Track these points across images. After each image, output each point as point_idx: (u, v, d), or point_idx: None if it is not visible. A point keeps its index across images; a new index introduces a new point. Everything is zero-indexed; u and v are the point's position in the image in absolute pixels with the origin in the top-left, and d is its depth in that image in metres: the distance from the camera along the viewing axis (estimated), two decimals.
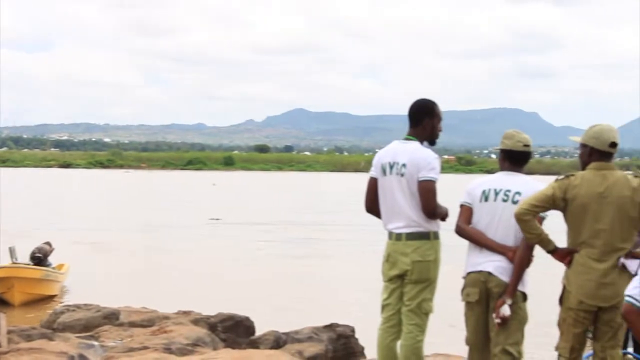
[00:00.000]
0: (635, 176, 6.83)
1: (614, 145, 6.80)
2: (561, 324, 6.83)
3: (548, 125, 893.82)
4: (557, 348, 6.87)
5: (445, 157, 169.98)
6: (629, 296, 4.92)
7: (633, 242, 6.79)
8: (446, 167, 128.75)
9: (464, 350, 7.57)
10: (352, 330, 11.50)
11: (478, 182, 7.42)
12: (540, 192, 6.73)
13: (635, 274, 11.65)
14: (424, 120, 7.58)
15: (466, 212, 7.35)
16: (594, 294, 6.68)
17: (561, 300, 6.85)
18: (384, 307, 7.67)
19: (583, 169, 6.85)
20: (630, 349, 10.21)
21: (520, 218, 6.63)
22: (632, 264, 9.90)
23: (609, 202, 6.65)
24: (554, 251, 6.79)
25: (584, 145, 6.88)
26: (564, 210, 6.75)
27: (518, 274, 7.06)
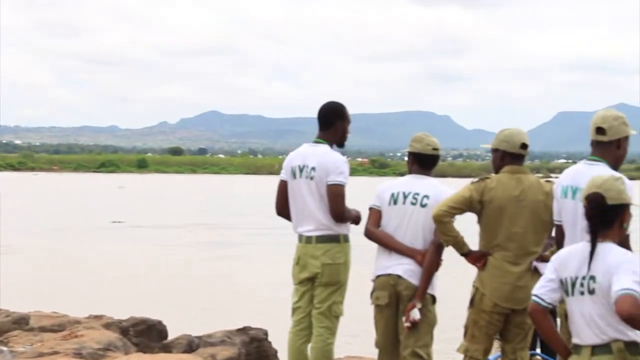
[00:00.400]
0: (547, 181, 6.95)
1: (524, 146, 6.91)
2: (472, 326, 6.88)
3: (460, 129, 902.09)
4: (465, 350, 6.91)
5: (359, 159, 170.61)
6: (536, 295, 5.00)
7: (543, 245, 6.92)
8: (360, 170, 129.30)
9: (374, 352, 7.63)
10: (265, 333, 11.49)
11: (387, 185, 7.47)
12: (458, 194, 6.77)
13: None
14: (335, 123, 7.62)
15: (375, 215, 7.39)
16: (509, 297, 6.77)
17: (472, 303, 6.92)
18: (294, 310, 7.69)
19: (496, 173, 6.95)
20: (538, 350, 10.39)
21: (439, 220, 6.68)
22: (543, 267, 10.08)
23: (525, 206, 6.75)
24: (467, 254, 6.86)
25: (495, 150, 6.96)
26: (479, 212, 6.81)
27: (427, 277, 7.11)
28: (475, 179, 6.87)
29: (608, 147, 6.18)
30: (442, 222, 6.69)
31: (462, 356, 7.01)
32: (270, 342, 11.44)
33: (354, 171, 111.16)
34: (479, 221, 6.87)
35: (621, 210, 4.88)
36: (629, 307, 4.62)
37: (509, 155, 6.89)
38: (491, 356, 10.46)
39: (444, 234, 6.75)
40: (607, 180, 4.96)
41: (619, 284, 4.66)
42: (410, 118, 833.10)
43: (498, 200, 6.73)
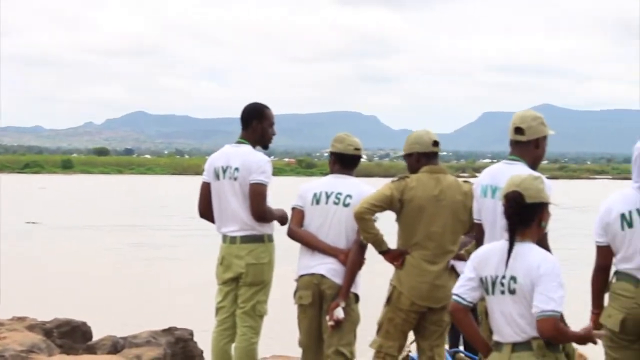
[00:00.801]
0: (465, 181, 7.05)
1: (436, 144, 7.00)
2: (387, 323, 6.93)
3: (387, 129, 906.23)
4: (379, 346, 6.95)
5: (286, 160, 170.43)
6: (456, 295, 5.06)
7: (459, 244, 7.02)
8: (287, 170, 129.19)
9: (299, 352, 7.67)
10: (191, 333, 11.47)
11: (310, 186, 7.52)
12: (379, 192, 6.81)
13: None
14: (252, 123, 7.64)
15: (298, 215, 7.43)
16: (427, 295, 6.84)
17: (389, 300, 6.97)
18: (218, 309, 7.70)
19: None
20: (461, 347, 10.52)
21: (360, 217, 6.72)
22: (460, 266, 10.23)
23: (444, 206, 6.83)
24: (386, 252, 6.92)
25: (409, 155, 7.05)
26: (399, 211, 6.87)
27: (350, 276, 7.17)
28: (396, 178, 6.93)
29: (526, 147, 6.28)
30: (364, 220, 6.73)
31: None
32: (195, 343, 11.42)
33: (281, 171, 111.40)
34: (398, 220, 6.93)
35: (540, 209, 4.96)
36: (550, 330, 4.77)
37: (424, 156, 6.97)
38: (415, 354, 10.58)
39: (364, 231, 6.79)
40: (526, 179, 5.04)
41: (542, 302, 4.75)
42: (338, 118, 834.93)
43: (418, 199, 6.80)
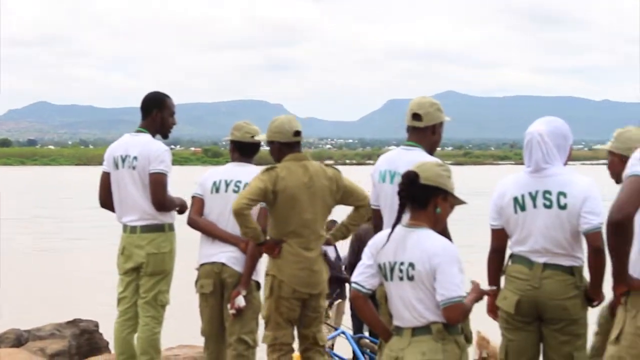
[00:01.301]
0: (328, 165, 7.12)
1: (298, 134, 7.05)
2: (274, 314, 6.93)
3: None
4: (273, 339, 6.98)
5: (192, 149, 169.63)
6: (355, 282, 5.09)
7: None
8: (193, 159, 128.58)
9: (202, 340, 7.69)
10: (96, 325, 11.40)
11: (209, 174, 7.52)
12: (253, 186, 6.80)
13: (339, 259, 12.13)
14: (152, 112, 7.62)
15: (198, 203, 7.43)
16: (307, 282, 6.90)
17: (271, 291, 6.94)
18: (120, 300, 7.67)
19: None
20: (366, 332, 10.65)
21: (240, 212, 6.69)
22: (329, 250, 10.39)
23: (313, 192, 6.89)
24: (262, 243, 6.93)
25: (270, 142, 7.08)
26: (272, 202, 6.87)
27: (251, 264, 7.19)
28: (264, 169, 6.92)
29: (424, 133, 6.37)
30: (243, 215, 6.71)
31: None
32: (101, 334, 11.34)
33: (187, 160, 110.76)
34: (271, 210, 6.93)
35: (435, 193, 4.99)
36: (458, 316, 4.88)
37: (285, 145, 7.01)
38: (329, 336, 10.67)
39: (244, 226, 6.76)
40: (428, 163, 5.12)
41: (446, 290, 4.83)
42: (244, 107, 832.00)
43: (290, 189, 6.83)
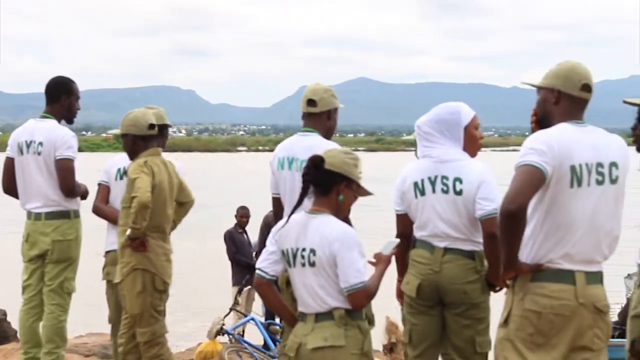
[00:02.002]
0: (170, 162, 7.14)
1: (152, 126, 7.04)
2: (147, 308, 6.98)
3: (205, 103, 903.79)
4: (143, 335, 7.01)
5: (104, 135, 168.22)
6: (259, 269, 5.10)
7: None
8: (104, 146, 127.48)
9: (109, 327, 7.64)
10: (4, 313, 11.29)
11: (114, 161, 7.48)
12: (145, 178, 6.78)
13: (249, 246, 12.13)
14: (61, 97, 7.51)
15: (104, 190, 7.37)
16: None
17: (144, 286, 6.95)
18: (24, 288, 7.55)
19: (131, 158, 7.03)
20: (277, 319, 10.66)
21: (147, 205, 6.68)
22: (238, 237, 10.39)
23: (171, 188, 7.04)
24: (136, 239, 6.83)
25: (124, 135, 7.06)
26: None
27: None
28: (140, 162, 6.88)
29: (319, 118, 6.40)
30: (148, 208, 6.71)
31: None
32: (9, 323, 11.25)
33: (99, 147, 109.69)
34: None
35: (338, 180, 4.97)
36: (363, 301, 4.88)
37: (140, 138, 7.01)
38: (229, 327, 10.66)
39: (144, 219, 6.73)
40: (336, 150, 5.11)
41: (349, 276, 4.84)
42: (156, 93, 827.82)
43: (161, 183, 6.90)
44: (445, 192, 5.73)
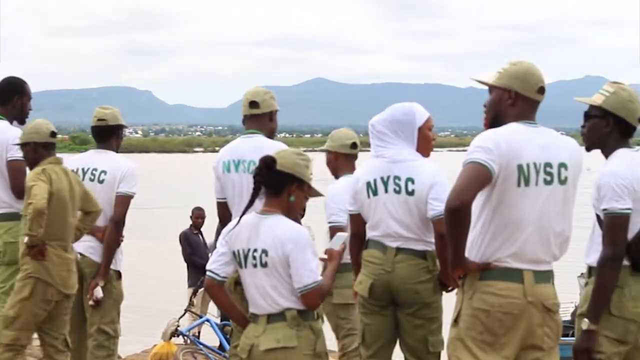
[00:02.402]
0: (72, 170, 7.08)
1: (54, 134, 7.03)
2: (28, 316, 6.87)
3: (162, 103, 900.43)
4: (14, 339, 6.90)
5: (59, 136, 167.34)
6: (210, 270, 5.09)
7: None
8: (60, 147, 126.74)
9: None
10: None
11: (68, 162, 7.40)
12: (42, 186, 6.68)
13: (205, 247, 12.09)
14: (13, 98, 7.48)
15: None
16: (71, 283, 6.93)
17: (31, 294, 6.86)
18: None
19: (31, 167, 6.96)
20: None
21: (43, 212, 6.58)
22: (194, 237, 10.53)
23: (73, 196, 6.91)
24: (34, 246, 6.73)
25: (25, 144, 6.97)
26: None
27: (108, 254, 7.09)
28: (39, 170, 6.80)
29: (262, 119, 6.49)
30: (44, 215, 6.61)
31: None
32: None
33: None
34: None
35: (290, 181, 4.98)
36: (316, 300, 4.92)
37: (42, 146, 6.95)
38: (184, 328, 10.65)
39: (40, 226, 6.60)
40: (288, 151, 5.13)
41: (302, 277, 4.87)
42: (112, 93, 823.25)
43: (59, 191, 6.83)
44: (398, 192, 5.77)
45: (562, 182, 4.70)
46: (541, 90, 4.81)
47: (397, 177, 5.78)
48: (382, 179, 5.83)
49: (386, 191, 5.80)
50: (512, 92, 4.78)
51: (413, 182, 5.75)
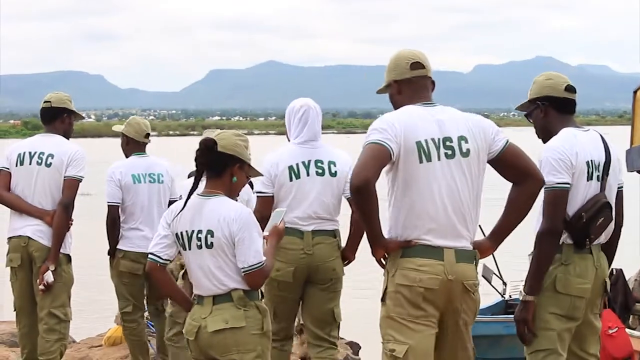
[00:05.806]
0: None
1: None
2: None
3: (114, 88, 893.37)
4: None
5: (12, 122, 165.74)
6: (152, 253, 5.10)
7: None
8: (12, 132, 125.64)
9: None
10: None
11: (16, 146, 7.38)
12: None
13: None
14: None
15: (5, 177, 7.26)
16: None
17: None
18: None
19: None
20: None
21: None
22: None
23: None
24: None
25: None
26: None
27: (58, 237, 7.09)
28: None
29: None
30: None
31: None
32: None
33: (6, 133, 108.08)
34: None
35: (231, 162, 5.04)
36: (261, 280, 5.04)
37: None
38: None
39: None
40: (227, 132, 5.19)
41: (248, 256, 4.94)
42: (63, 78, 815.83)
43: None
44: (321, 174, 6.34)
45: (465, 154, 4.79)
46: (415, 66, 4.93)
47: (319, 161, 6.37)
48: (303, 163, 6.35)
49: (308, 174, 6.32)
50: (391, 82, 4.99)
51: (335, 164, 6.36)
